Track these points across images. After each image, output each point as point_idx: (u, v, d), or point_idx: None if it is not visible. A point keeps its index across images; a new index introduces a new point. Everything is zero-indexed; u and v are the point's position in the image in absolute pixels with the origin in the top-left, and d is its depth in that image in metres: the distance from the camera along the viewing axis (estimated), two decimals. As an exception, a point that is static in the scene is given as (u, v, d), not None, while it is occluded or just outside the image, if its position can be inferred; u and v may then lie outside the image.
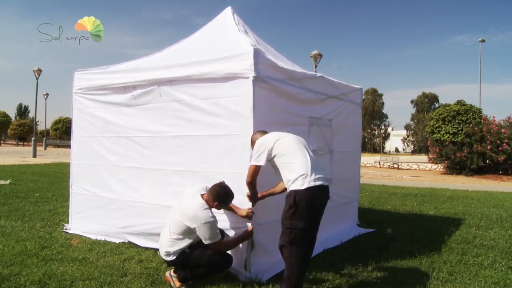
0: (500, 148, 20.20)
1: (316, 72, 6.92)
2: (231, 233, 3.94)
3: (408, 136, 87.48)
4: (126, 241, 4.82)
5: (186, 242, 3.52)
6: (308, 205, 3.18)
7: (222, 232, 3.77)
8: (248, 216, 3.74)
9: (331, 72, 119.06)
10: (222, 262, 3.55)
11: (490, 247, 5.22)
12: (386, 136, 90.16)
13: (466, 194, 11.26)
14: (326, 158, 5.14)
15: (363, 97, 6.85)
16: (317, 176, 3.27)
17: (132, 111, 4.83)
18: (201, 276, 3.55)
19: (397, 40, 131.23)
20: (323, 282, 3.73)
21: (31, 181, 11.23)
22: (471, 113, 22.08)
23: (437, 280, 3.90)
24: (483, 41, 34.73)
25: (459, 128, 21.70)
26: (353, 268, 4.12)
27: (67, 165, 5.95)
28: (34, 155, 25.70)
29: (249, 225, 3.79)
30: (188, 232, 3.48)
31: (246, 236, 3.76)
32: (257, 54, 3.84)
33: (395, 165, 29.13)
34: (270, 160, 3.43)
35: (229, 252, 3.70)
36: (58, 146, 60.70)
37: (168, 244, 3.55)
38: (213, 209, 3.56)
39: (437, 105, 75.02)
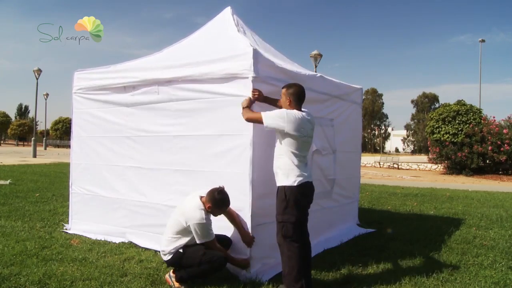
0: (501, 149, 20.21)
1: (316, 72, 6.92)
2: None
3: (408, 136, 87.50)
4: (127, 241, 4.82)
5: (182, 241, 3.56)
6: (298, 200, 3.35)
7: (227, 238, 3.83)
8: (249, 242, 3.76)
9: (332, 72, 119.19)
10: (214, 262, 3.50)
11: (490, 247, 5.22)
12: (386, 136, 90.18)
13: (466, 194, 11.26)
14: (329, 158, 5.14)
15: (363, 97, 6.85)
16: (307, 173, 3.44)
17: (132, 111, 4.83)
18: (197, 276, 3.56)
19: (397, 40, 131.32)
20: (323, 282, 3.73)
21: (31, 181, 11.23)
22: (471, 113, 22.09)
23: (437, 280, 3.90)
24: (483, 41, 34.85)
25: (459, 128, 21.70)
26: (353, 268, 4.12)
27: (67, 165, 5.95)
28: (34, 155, 25.71)
29: (248, 253, 3.80)
30: (184, 231, 3.53)
31: (243, 264, 3.76)
32: (256, 54, 3.84)
33: (395, 165, 29.13)
34: (280, 132, 3.44)
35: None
36: (58, 146, 60.70)
37: (165, 243, 3.61)
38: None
39: (437, 105, 74.97)
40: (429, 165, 26.75)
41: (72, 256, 4.26)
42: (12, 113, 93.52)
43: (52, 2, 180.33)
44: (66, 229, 5.48)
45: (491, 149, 20.38)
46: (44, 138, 48.58)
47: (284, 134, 3.40)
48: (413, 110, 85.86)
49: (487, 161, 21.62)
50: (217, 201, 3.56)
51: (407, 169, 27.43)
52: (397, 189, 12.14)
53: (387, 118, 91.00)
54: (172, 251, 3.56)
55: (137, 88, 4.72)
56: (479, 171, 21.24)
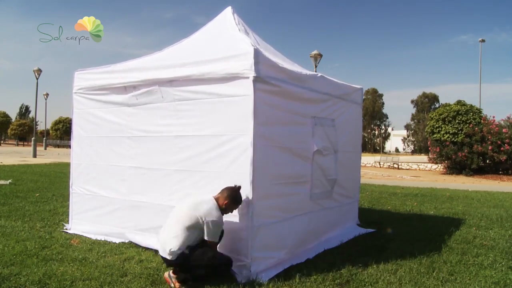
0: (501, 149, 20.21)
1: (316, 72, 6.92)
2: None
3: (408, 136, 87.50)
4: (127, 241, 4.82)
5: (190, 237, 3.53)
6: None
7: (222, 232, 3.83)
8: None
9: (332, 72, 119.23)
10: (222, 265, 3.59)
11: (490, 247, 5.22)
12: (386, 136, 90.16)
13: (466, 194, 11.25)
14: (330, 158, 5.14)
15: (363, 97, 6.85)
16: None
17: (132, 111, 4.83)
18: (201, 278, 3.56)
19: (397, 40, 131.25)
20: (323, 282, 3.73)
21: (31, 181, 11.23)
22: (471, 113, 22.09)
23: (437, 280, 3.90)
24: (483, 41, 34.88)
25: (459, 128, 21.70)
26: (353, 268, 4.12)
27: (67, 165, 5.94)
28: (34, 155, 25.71)
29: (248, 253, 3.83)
30: (196, 226, 3.54)
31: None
32: (257, 54, 3.83)
33: (395, 165, 29.14)
34: None
35: (229, 255, 3.73)
36: (58, 146, 60.70)
37: (171, 241, 3.54)
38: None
39: (437, 105, 75.02)
40: (429, 165, 26.76)
41: (72, 256, 4.26)
42: (12, 113, 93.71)
43: (52, 2, 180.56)
44: (66, 229, 5.48)
45: (491, 149, 20.39)
46: (44, 138, 48.59)
47: None
48: (413, 110, 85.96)
49: (487, 161, 21.63)
50: (236, 198, 3.71)
51: (407, 169, 27.44)
52: (397, 189, 12.14)
53: (387, 118, 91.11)
54: (178, 251, 3.50)
55: (137, 88, 4.72)
56: (479, 171, 21.25)
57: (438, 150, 22.50)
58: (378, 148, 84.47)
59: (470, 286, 3.78)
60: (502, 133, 20.76)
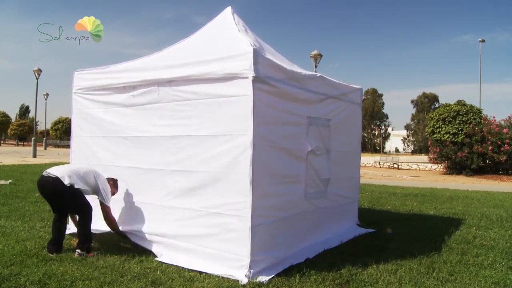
0: (501, 149, 20.21)
1: (316, 72, 6.92)
2: None
3: (408, 136, 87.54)
4: (126, 241, 4.82)
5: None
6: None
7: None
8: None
9: (333, 72, 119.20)
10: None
11: (490, 247, 5.22)
12: (386, 136, 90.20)
13: (466, 194, 11.26)
14: (323, 158, 5.14)
15: (363, 97, 6.85)
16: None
17: (131, 111, 4.82)
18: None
19: (397, 40, 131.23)
20: (323, 282, 3.73)
21: (31, 181, 11.21)
22: (471, 114, 22.10)
23: (437, 280, 3.90)
24: (483, 41, 34.88)
25: (459, 128, 21.71)
26: (353, 268, 4.12)
27: (67, 165, 5.93)
28: (34, 155, 25.71)
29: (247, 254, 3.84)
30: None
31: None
32: (256, 54, 3.84)
33: (395, 165, 29.14)
34: None
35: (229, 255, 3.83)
36: (58, 146, 60.73)
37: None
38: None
39: (437, 105, 75.04)
40: (429, 165, 26.77)
41: (72, 256, 4.26)
42: (12, 113, 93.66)
43: (52, 2, 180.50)
44: (66, 229, 5.46)
45: (491, 149, 20.39)
46: (44, 138, 48.60)
47: None
48: (413, 110, 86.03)
49: (487, 161, 21.63)
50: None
51: (407, 169, 27.44)
52: (397, 189, 12.14)
53: (387, 118, 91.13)
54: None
55: (137, 88, 4.72)
56: (479, 171, 21.25)
57: (438, 150, 22.51)
58: (378, 148, 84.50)
59: (470, 286, 3.78)
60: (502, 133, 20.76)
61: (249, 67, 3.79)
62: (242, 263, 3.82)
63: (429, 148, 24.88)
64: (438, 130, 22.61)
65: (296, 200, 4.60)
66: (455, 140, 21.55)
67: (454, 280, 3.90)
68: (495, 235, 5.92)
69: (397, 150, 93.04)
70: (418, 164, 28.87)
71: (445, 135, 22.07)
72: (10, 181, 10.66)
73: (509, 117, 22.43)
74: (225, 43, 4.52)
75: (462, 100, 23.79)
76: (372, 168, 27.50)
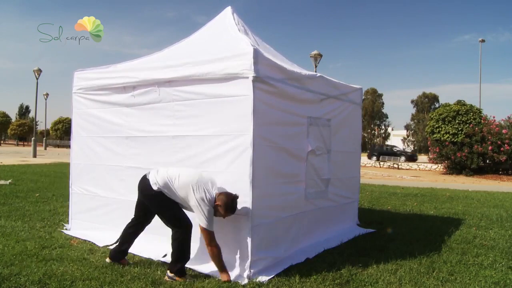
0: (501, 149, 20.21)
1: (316, 72, 6.93)
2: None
3: (408, 136, 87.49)
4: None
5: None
6: None
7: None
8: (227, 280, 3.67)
9: (334, 71, 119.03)
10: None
11: (490, 247, 5.22)
12: (386, 136, 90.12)
13: (466, 194, 11.26)
14: (323, 158, 5.14)
15: (363, 97, 6.85)
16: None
17: (131, 111, 4.82)
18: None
19: (398, 40, 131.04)
20: (323, 282, 3.73)
21: (31, 181, 11.23)
22: (471, 113, 22.10)
23: (437, 280, 3.90)
24: (483, 41, 34.86)
25: (459, 128, 21.71)
26: (353, 268, 4.12)
27: (67, 165, 5.94)
28: (34, 155, 25.72)
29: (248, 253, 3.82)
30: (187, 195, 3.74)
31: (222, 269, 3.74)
32: (256, 54, 3.84)
33: (395, 165, 29.15)
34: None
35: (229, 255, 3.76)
36: (58, 146, 60.77)
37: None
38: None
39: (437, 105, 75.03)
40: (429, 165, 26.79)
41: (72, 256, 4.26)
42: (12, 113, 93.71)
43: (52, 2, 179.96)
44: (66, 229, 5.48)
45: (491, 149, 20.39)
46: (44, 138, 48.65)
47: None
48: (413, 110, 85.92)
49: (487, 161, 21.64)
50: (228, 205, 3.69)
51: (407, 169, 27.45)
52: (397, 189, 12.15)
53: (387, 118, 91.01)
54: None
55: (137, 88, 4.72)
56: (479, 171, 21.25)
57: (438, 150, 22.52)
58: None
59: (470, 286, 3.78)
60: (502, 133, 20.77)
61: (249, 67, 3.80)
62: (242, 263, 3.82)
63: (429, 148, 24.89)
64: (437, 130, 22.62)
65: (296, 200, 4.60)
66: (455, 140, 21.55)
67: (454, 280, 3.90)
68: (495, 235, 5.92)
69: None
70: (418, 164, 28.91)
71: (445, 135, 22.08)
72: (10, 181, 10.66)
73: (509, 117, 22.45)
74: (225, 43, 4.52)
75: (462, 100, 23.80)
76: (372, 168, 27.50)
